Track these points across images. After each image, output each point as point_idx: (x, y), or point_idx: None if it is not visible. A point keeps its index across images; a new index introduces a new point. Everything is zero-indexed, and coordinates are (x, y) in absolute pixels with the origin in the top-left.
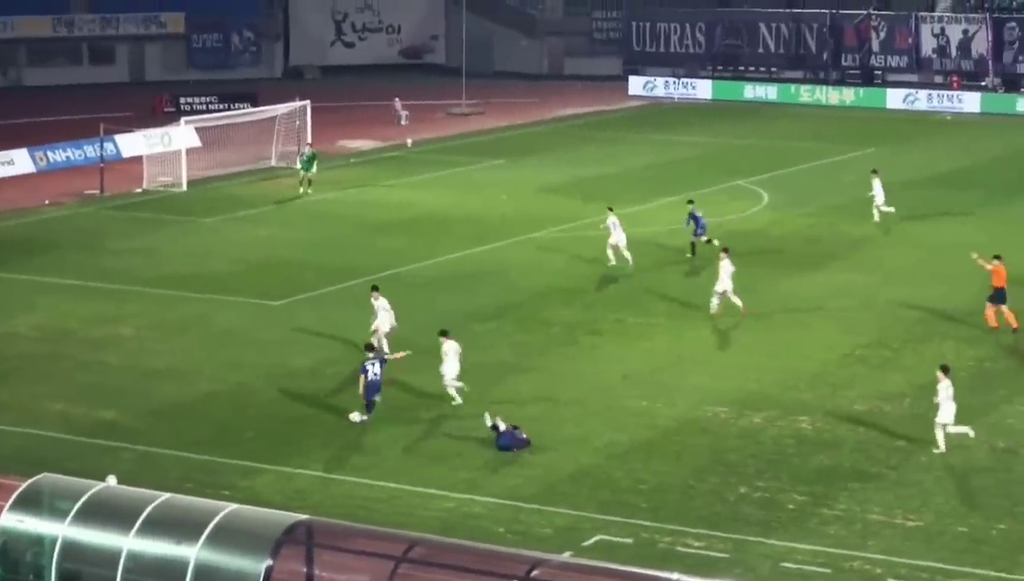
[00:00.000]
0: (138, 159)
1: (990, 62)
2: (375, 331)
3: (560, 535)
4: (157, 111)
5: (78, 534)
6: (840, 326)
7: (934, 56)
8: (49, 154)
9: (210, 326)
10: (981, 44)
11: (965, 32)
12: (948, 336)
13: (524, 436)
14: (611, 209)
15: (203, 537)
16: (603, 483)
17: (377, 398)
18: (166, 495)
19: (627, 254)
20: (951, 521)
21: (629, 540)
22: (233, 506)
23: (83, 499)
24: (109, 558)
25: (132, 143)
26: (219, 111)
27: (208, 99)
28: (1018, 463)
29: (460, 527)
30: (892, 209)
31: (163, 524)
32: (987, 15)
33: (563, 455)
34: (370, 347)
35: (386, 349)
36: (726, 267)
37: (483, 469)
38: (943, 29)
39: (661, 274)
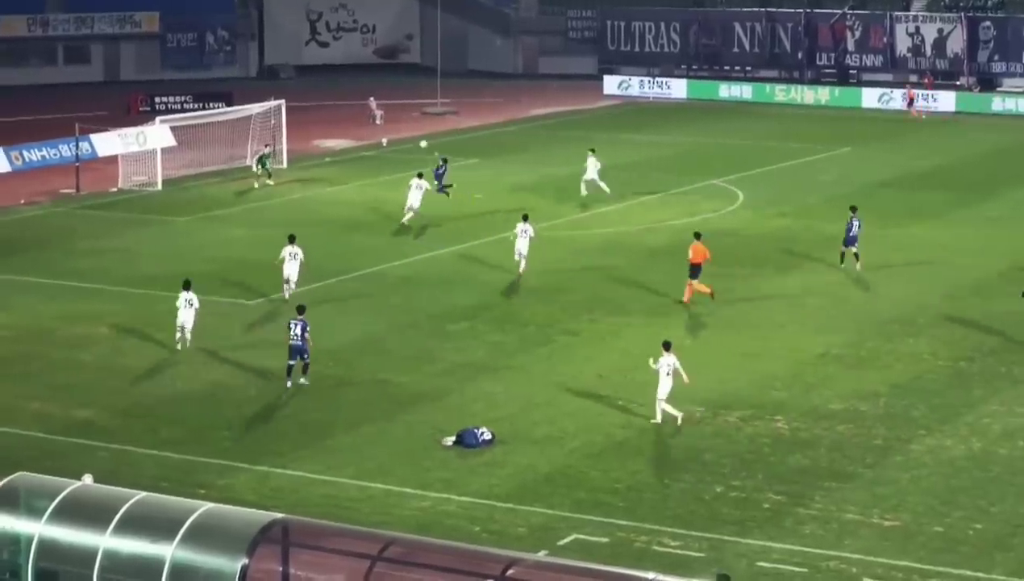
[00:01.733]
0: (113, 158)
1: (965, 61)
2: (287, 279)
3: (535, 534)
4: (132, 110)
5: (54, 533)
6: (815, 325)
7: (909, 55)
8: (24, 154)
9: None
10: (956, 43)
11: (940, 31)
12: (923, 335)
13: (488, 436)
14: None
15: (179, 536)
16: (579, 482)
17: (293, 361)
18: (142, 494)
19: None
20: (928, 520)
21: (605, 539)
22: (209, 505)
23: (59, 498)
24: (85, 557)
25: (107, 143)
26: (194, 110)
27: (183, 98)
28: (995, 463)
29: (436, 526)
30: (608, 190)
31: (139, 523)
32: (962, 14)
33: (538, 454)
34: (301, 309)
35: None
36: (416, 186)
37: (459, 469)
38: (918, 28)
39: (636, 274)
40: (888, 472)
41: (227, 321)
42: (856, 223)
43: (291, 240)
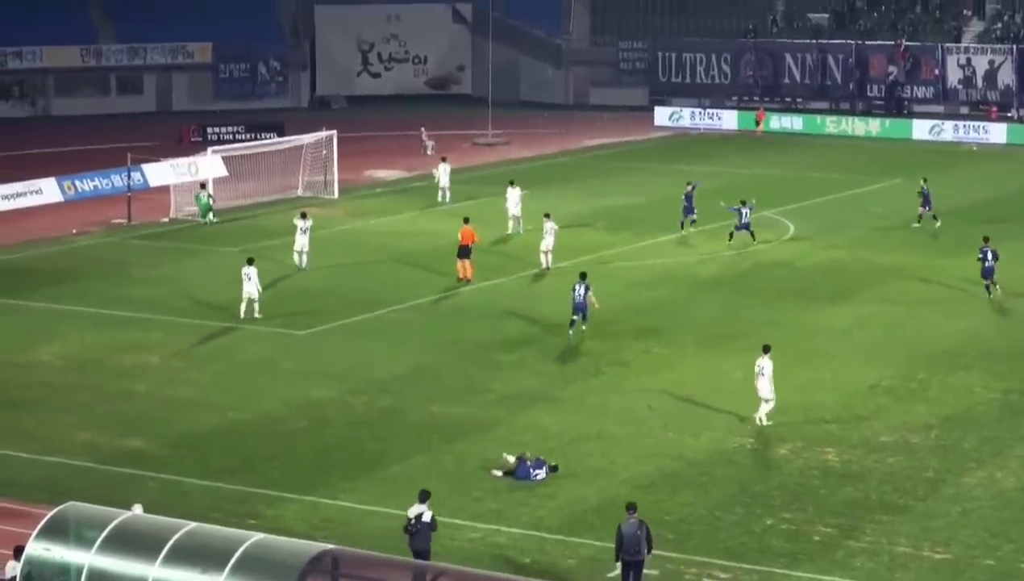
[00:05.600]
0: (165, 189)
1: (1016, 93)
2: (300, 250)
3: (585, 566)
4: (184, 141)
5: (104, 563)
6: (866, 357)
7: (960, 87)
8: (77, 183)
9: (236, 355)
10: (1007, 75)
11: (991, 63)
12: (974, 367)
13: (542, 476)
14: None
15: (229, 566)
16: None
17: (576, 317)
18: (192, 524)
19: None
20: (979, 554)
21: (655, 572)
22: (259, 535)
23: (109, 528)
24: None
25: (159, 173)
26: (246, 141)
27: (235, 129)
28: None
29: (485, 557)
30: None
31: (189, 553)
32: (1013, 46)
33: (589, 486)
34: (583, 275)
35: (302, 265)
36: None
37: (509, 500)
38: (969, 60)
39: (688, 305)
40: (939, 505)
41: (277, 351)
42: (692, 189)
43: (303, 216)
